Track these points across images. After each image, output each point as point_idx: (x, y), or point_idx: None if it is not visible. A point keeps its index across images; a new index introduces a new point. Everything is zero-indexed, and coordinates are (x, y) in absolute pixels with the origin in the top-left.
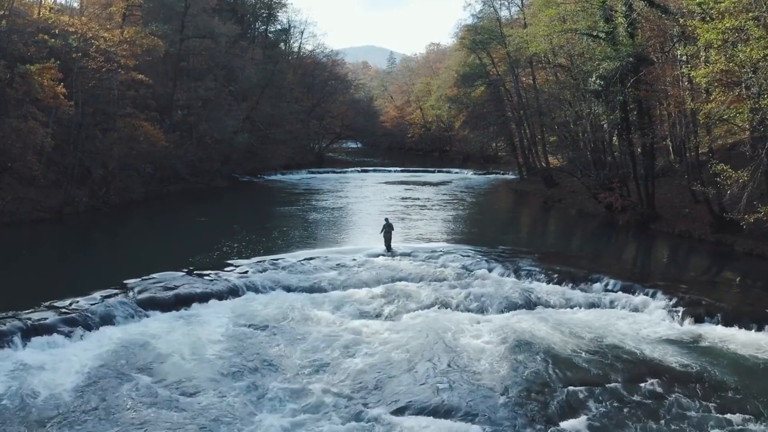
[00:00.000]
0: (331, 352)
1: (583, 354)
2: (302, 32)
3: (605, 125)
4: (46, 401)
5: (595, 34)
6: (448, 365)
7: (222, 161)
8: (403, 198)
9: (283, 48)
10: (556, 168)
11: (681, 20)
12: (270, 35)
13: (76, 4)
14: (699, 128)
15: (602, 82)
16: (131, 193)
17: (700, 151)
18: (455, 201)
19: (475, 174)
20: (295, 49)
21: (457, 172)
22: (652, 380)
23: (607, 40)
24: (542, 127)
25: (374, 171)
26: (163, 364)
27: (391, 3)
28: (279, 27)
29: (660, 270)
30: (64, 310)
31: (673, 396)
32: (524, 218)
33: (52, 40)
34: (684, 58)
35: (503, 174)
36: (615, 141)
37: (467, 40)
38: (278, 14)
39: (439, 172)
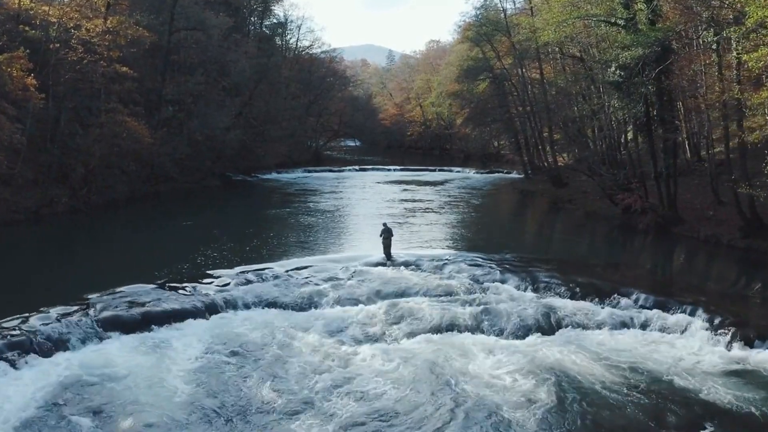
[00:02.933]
0: (317, 389)
1: (623, 390)
2: (299, 27)
3: (617, 121)
4: None
5: (613, 21)
6: (461, 406)
7: (213, 159)
8: (402, 199)
9: (279, 42)
10: (567, 167)
11: (718, 2)
12: (266, 30)
13: None
14: (730, 122)
15: (623, 73)
16: (114, 193)
17: (717, 150)
18: (458, 202)
19: (477, 173)
20: (292, 45)
21: (458, 171)
22: (710, 425)
23: (627, 27)
24: (550, 123)
25: (373, 170)
26: (117, 404)
27: (391, 2)
28: (275, 21)
29: (692, 281)
30: (13, 332)
31: None
32: (533, 221)
33: (32, 31)
34: (714, 46)
35: (507, 173)
36: (629, 138)
37: (471, 32)
38: (274, 8)
39: (440, 171)
